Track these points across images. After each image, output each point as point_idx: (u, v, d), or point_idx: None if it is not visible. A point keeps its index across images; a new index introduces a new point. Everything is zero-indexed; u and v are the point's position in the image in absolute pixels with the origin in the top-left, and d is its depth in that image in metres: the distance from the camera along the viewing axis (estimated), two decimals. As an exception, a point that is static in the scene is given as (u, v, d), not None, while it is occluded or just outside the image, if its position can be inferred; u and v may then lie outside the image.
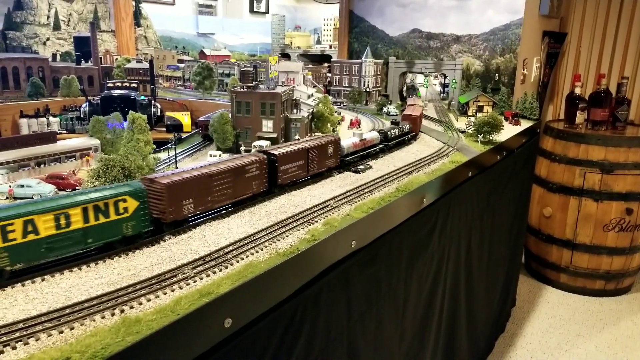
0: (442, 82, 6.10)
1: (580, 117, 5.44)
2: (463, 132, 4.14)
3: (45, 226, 1.50)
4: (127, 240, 1.73)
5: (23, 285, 1.47)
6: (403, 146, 3.58)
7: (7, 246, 1.43)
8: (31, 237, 1.47)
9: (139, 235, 1.76)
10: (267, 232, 1.93)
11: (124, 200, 1.69)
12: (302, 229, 2.00)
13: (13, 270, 1.47)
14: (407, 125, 3.67)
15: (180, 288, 1.50)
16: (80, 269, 1.58)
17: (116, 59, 5.88)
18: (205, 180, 1.97)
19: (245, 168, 2.17)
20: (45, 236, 1.50)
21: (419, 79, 6.30)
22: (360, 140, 3.07)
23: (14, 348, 1.20)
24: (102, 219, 1.63)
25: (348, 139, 2.99)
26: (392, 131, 3.41)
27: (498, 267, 4.42)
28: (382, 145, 3.29)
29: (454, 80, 5.37)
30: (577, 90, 5.42)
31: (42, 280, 1.50)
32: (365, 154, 3.12)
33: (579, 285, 5.71)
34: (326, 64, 6.23)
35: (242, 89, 3.25)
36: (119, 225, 1.68)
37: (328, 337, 2.03)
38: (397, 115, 4.61)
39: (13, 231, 1.44)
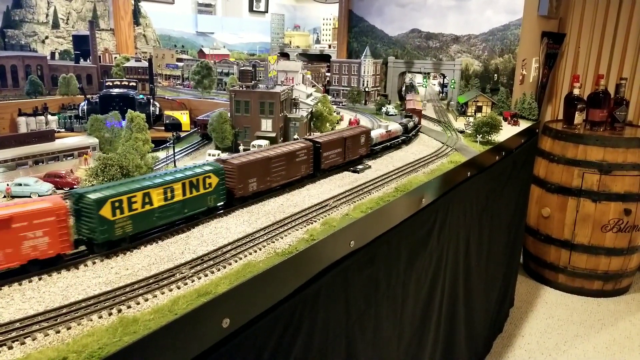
0: (441, 82, 6.10)
1: (578, 117, 5.45)
2: (462, 132, 4.13)
3: (158, 198, 1.78)
4: (209, 211, 2.02)
5: (20, 284, 1.46)
6: (414, 139, 3.76)
7: (131, 215, 1.70)
8: (147, 207, 1.75)
9: (215, 207, 2.05)
10: (266, 231, 1.92)
11: (209, 177, 2.00)
12: (301, 228, 1.99)
13: (132, 235, 1.73)
14: (416, 117, 4.02)
15: (178, 288, 1.49)
16: (77, 268, 1.57)
17: (115, 57, 5.87)
18: (266, 162, 2.28)
19: (296, 153, 2.45)
20: (157, 206, 1.78)
21: (418, 78, 6.30)
22: (386, 131, 3.35)
23: (10, 348, 1.19)
24: (194, 193, 1.93)
25: (376, 130, 3.28)
26: (409, 123, 3.72)
27: (496, 267, 4.42)
28: (404, 137, 3.57)
29: (452, 81, 5.37)
30: (576, 91, 5.42)
31: (39, 279, 1.49)
32: (389, 144, 3.37)
33: (577, 286, 5.71)
34: (325, 64, 6.22)
35: (241, 88, 3.24)
36: (205, 198, 1.98)
37: (327, 337, 2.03)
38: (396, 114, 4.62)
39: (135, 202, 1.71)
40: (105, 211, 1.61)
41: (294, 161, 2.43)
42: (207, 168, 2.00)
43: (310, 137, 2.68)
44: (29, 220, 1.47)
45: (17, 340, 1.21)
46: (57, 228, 1.52)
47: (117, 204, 1.64)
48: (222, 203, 2.07)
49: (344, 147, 2.80)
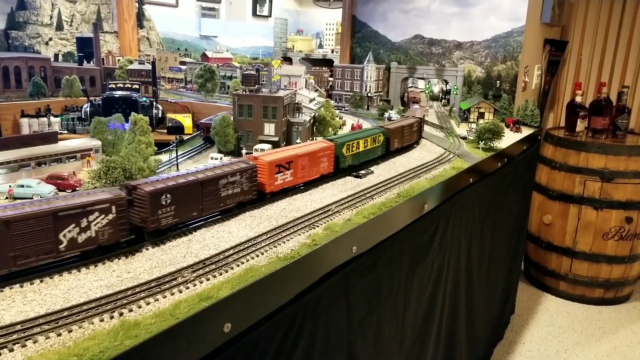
0: (444, 88, 6.10)
1: (580, 125, 5.45)
2: (464, 138, 4.13)
3: (362, 145, 2.90)
4: (378, 158, 3.13)
5: (21, 286, 1.46)
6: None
7: (352, 154, 2.81)
8: (357, 150, 2.86)
9: (380, 156, 3.15)
10: (268, 236, 1.92)
11: (380, 136, 3.10)
12: (303, 233, 1.99)
13: (349, 166, 2.83)
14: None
15: (180, 292, 1.49)
16: (79, 271, 1.57)
17: (118, 60, 5.89)
18: (402, 129, 3.41)
19: (413, 125, 3.61)
20: (361, 150, 2.90)
21: (420, 84, 6.30)
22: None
23: (11, 350, 1.18)
24: (374, 145, 3.05)
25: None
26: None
27: (498, 273, 4.41)
28: None
29: (455, 87, 5.37)
30: (578, 99, 5.42)
31: (41, 281, 1.49)
32: None
33: (578, 294, 5.69)
34: (328, 69, 6.23)
35: (244, 92, 3.24)
36: (377, 148, 3.10)
37: (328, 342, 2.02)
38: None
39: (353, 146, 2.82)
40: (344, 149, 2.74)
41: (412, 130, 3.57)
42: (379, 130, 3.13)
43: (413, 114, 3.88)
44: (322, 152, 2.59)
45: (18, 343, 1.21)
46: (330, 158, 2.64)
47: (348, 146, 2.77)
48: (384, 153, 3.18)
49: (424, 123, 4.06)
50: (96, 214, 1.56)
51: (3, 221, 1.38)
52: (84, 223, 1.53)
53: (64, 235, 1.50)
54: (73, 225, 1.51)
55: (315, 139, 3.51)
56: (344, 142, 2.73)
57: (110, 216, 1.60)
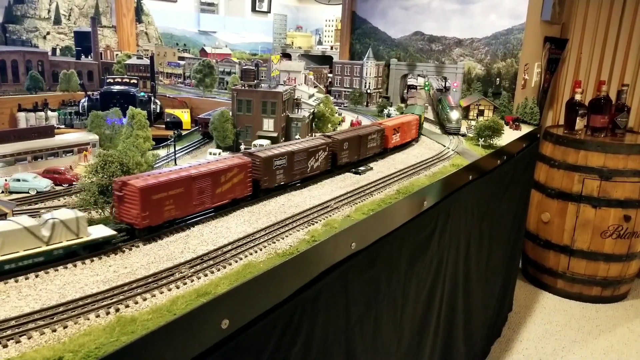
0: (443, 85, 6.07)
1: (579, 123, 5.44)
2: (463, 135, 4.12)
3: (422, 118, 3.81)
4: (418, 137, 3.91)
5: (16, 281, 1.44)
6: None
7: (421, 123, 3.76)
8: (422, 121, 3.83)
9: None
10: (267, 232, 1.90)
11: (419, 119, 3.80)
12: (302, 229, 1.97)
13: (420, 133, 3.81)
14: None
15: (177, 287, 1.47)
16: (75, 266, 1.55)
17: (117, 54, 5.85)
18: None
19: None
20: (422, 122, 3.84)
21: (420, 81, 6.27)
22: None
23: (5, 346, 1.17)
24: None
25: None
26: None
27: (496, 271, 4.41)
28: None
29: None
30: (577, 97, 5.41)
31: (36, 276, 1.47)
32: None
33: (576, 292, 5.70)
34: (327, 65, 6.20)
35: (243, 87, 3.22)
36: (420, 126, 3.86)
37: (326, 339, 2.01)
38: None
39: (422, 118, 3.84)
40: (422, 121, 3.70)
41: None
42: (422, 111, 4.04)
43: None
44: (414, 122, 3.54)
45: (13, 339, 1.19)
46: (416, 126, 3.59)
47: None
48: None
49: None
50: (321, 151, 2.55)
51: (291, 152, 2.35)
52: (317, 157, 2.52)
53: (309, 163, 2.48)
54: (313, 157, 2.50)
55: (314, 135, 3.49)
56: (421, 115, 3.75)
57: (325, 153, 2.58)
